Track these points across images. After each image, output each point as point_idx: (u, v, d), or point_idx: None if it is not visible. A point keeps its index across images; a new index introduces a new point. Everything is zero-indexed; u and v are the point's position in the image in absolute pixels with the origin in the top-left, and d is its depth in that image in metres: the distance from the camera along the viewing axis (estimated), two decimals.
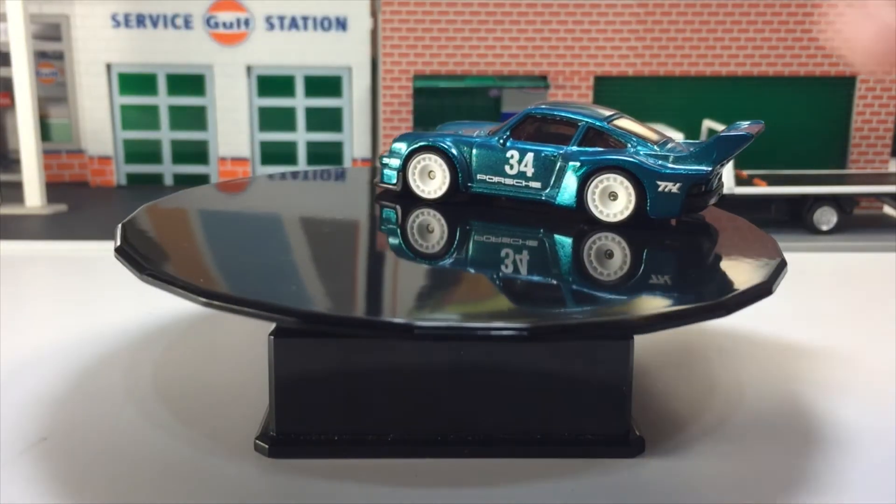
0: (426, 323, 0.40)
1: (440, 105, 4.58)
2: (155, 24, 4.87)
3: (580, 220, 0.57)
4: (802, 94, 4.47)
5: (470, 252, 0.54)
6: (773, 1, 4.37)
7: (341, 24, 4.77)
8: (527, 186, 0.59)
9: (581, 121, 0.58)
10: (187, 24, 4.85)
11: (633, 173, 0.56)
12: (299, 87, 4.98)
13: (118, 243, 0.48)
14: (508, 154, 0.59)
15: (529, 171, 0.58)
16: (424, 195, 0.61)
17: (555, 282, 0.49)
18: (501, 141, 0.60)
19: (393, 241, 0.57)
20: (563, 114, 0.59)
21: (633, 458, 0.47)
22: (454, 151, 0.60)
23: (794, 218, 3.90)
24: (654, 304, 0.45)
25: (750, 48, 4.42)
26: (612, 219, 0.56)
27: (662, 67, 4.44)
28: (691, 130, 4.11)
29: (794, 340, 0.67)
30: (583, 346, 0.46)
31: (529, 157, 0.58)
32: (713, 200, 0.58)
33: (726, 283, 0.47)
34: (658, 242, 0.55)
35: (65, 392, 0.54)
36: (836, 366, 0.61)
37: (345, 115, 4.93)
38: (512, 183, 0.59)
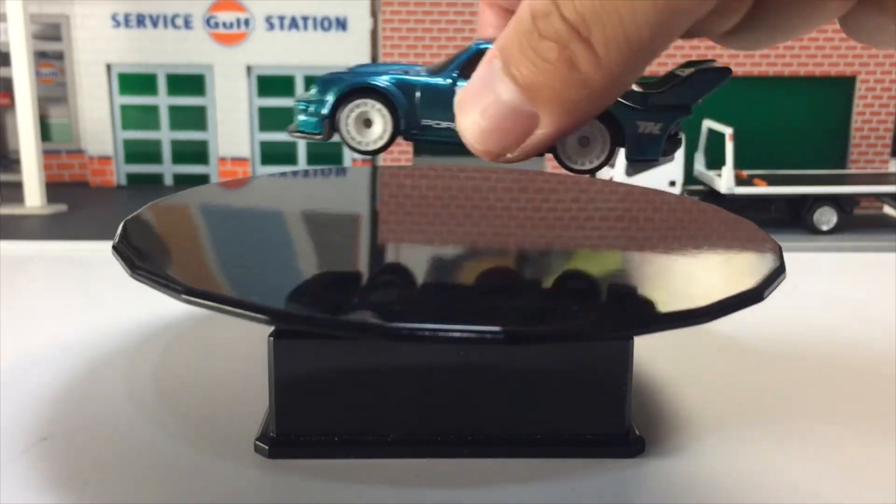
0: (405, 325, 0.39)
1: None
2: (155, 24, 4.87)
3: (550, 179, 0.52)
4: (802, 94, 4.48)
5: (466, 249, 0.54)
6: None
7: (341, 24, 4.77)
8: None
9: None
10: (187, 24, 4.85)
11: (610, 113, 0.50)
12: (299, 87, 4.98)
13: (116, 241, 0.48)
14: None
15: None
16: (360, 147, 0.52)
17: (551, 283, 0.49)
18: (450, 81, 0.52)
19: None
20: None
21: (633, 458, 0.47)
22: (396, 94, 0.52)
23: (794, 218, 3.91)
24: (650, 306, 0.45)
25: None
26: (585, 167, 0.51)
27: (662, 67, 4.44)
28: (691, 131, 4.11)
29: (794, 340, 0.67)
30: (583, 347, 0.46)
31: None
32: (679, 148, 0.54)
33: (717, 288, 0.47)
34: (657, 241, 0.55)
35: (65, 392, 0.54)
36: (836, 366, 0.61)
37: None
38: None
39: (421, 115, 0.52)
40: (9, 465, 0.45)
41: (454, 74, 0.52)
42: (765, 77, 4.40)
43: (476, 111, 0.37)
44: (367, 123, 0.52)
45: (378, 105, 0.52)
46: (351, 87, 0.52)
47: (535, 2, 0.33)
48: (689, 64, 0.55)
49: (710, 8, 0.32)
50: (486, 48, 0.52)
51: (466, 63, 0.52)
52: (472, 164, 0.54)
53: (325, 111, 0.52)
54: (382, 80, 0.52)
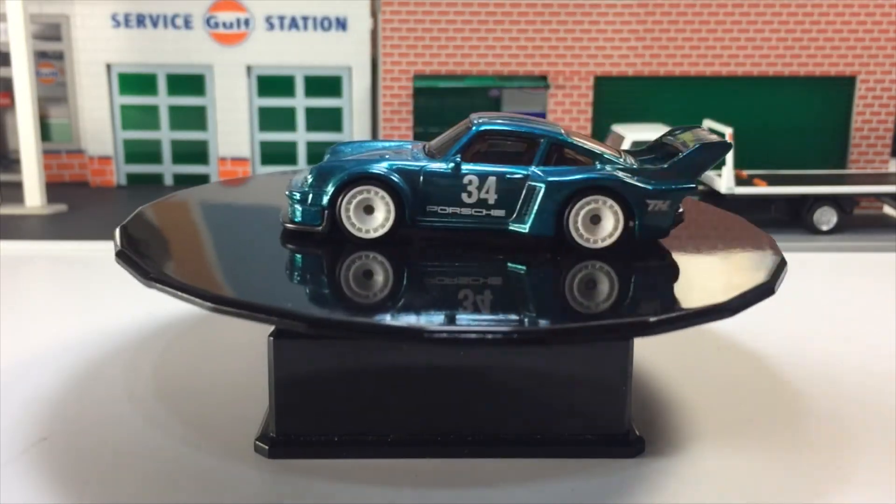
0: (436, 328, 0.40)
1: (440, 105, 4.58)
2: (155, 24, 4.88)
3: (548, 249, 0.52)
4: (802, 94, 4.48)
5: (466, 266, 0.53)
6: (773, 1, 4.37)
7: (341, 24, 4.77)
8: (488, 215, 0.51)
9: (542, 136, 0.52)
10: (187, 24, 4.85)
11: (618, 193, 0.51)
12: (299, 87, 4.99)
13: (118, 247, 0.48)
14: (466, 180, 0.51)
15: (492, 198, 0.51)
16: (362, 235, 0.51)
17: (556, 288, 0.49)
18: (453, 165, 0.51)
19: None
20: (519, 129, 0.52)
21: (633, 458, 0.47)
22: (399, 182, 0.51)
23: (794, 218, 3.90)
24: (656, 307, 0.45)
25: (750, 48, 4.42)
26: (597, 245, 0.51)
27: (662, 67, 4.44)
28: None
29: (794, 340, 0.67)
30: (582, 347, 0.46)
31: (491, 181, 0.51)
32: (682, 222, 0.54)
33: (729, 285, 0.47)
34: (656, 244, 0.55)
35: (65, 392, 0.54)
36: (836, 366, 0.61)
37: (345, 115, 4.93)
38: (470, 213, 0.51)
39: (425, 201, 0.51)
40: (9, 465, 0.45)
41: (457, 159, 0.51)
42: (765, 77, 4.40)
43: None
44: (369, 210, 0.51)
45: (381, 192, 0.51)
46: (352, 176, 0.51)
47: None
48: (676, 130, 0.55)
49: None
50: (487, 129, 0.52)
51: (468, 145, 0.52)
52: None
53: (324, 202, 0.50)
54: (383, 168, 0.51)
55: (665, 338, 0.63)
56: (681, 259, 0.53)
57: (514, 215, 0.51)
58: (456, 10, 4.39)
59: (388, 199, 0.50)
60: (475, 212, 0.51)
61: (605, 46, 4.41)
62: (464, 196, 0.51)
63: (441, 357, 0.46)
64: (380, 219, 0.51)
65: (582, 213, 0.51)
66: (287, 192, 0.52)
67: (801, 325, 0.71)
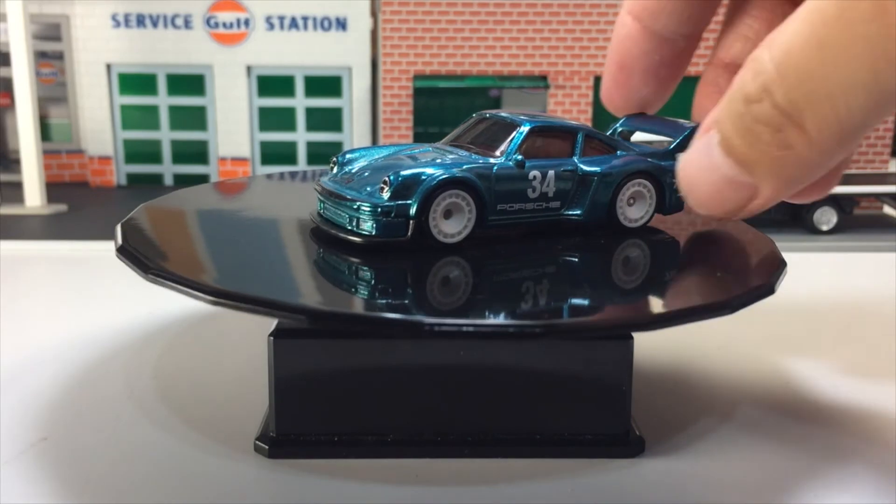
0: (437, 321, 0.39)
1: (440, 105, 4.58)
2: (155, 24, 4.87)
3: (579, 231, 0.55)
4: None
5: (475, 263, 0.53)
6: None
7: (341, 24, 4.77)
8: (547, 208, 0.54)
9: (578, 130, 0.56)
10: (187, 24, 4.85)
11: (654, 175, 0.56)
12: (299, 87, 4.98)
13: (119, 243, 0.48)
14: (531, 176, 0.53)
15: (551, 191, 0.54)
16: (447, 240, 0.51)
17: (563, 284, 0.49)
18: (516, 162, 0.53)
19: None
20: (562, 124, 0.56)
21: (633, 458, 0.47)
22: (480, 184, 0.52)
23: (794, 218, 3.91)
24: (658, 303, 0.45)
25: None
26: (636, 224, 0.56)
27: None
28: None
29: (794, 340, 0.67)
30: (583, 347, 0.46)
31: (551, 175, 0.54)
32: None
33: (730, 283, 0.47)
34: (658, 244, 0.55)
35: (65, 392, 0.54)
36: (836, 366, 0.61)
37: (345, 115, 4.93)
38: (533, 207, 0.54)
39: (497, 201, 0.53)
40: (9, 465, 0.45)
41: (518, 157, 0.53)
42: None
43: (698, 180, 0.39)
44: (447, 215, 0.51)
45: (466, 196, 0.51)
46: (440, 182, 0.50)
47: (748, 85, 0.35)
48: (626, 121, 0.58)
49: None
50: (536, 126, 0.55)
51: (523, 143, 0.54)
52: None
53: (412, 212, 0.49)
54: (465, 172, 0.51)
55: (665, 338, 0.63)
56: (682, 258, 0.53)
57: (567, 204, 0.55)
58: (456, 10, 4.39)
59: (471, 202, 0.51)
60: (537, 205, 0.54)
61: (605, 46, 4.41)
62: (529, 192, 0.53)
63: (441, 357, 0.46)
64: (462, 222, 0.51)
65: (626, 196, 0.56)
66: (350, 205, 0.50)
67: (800, 325, 0.71)
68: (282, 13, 4.84)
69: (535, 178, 0.53)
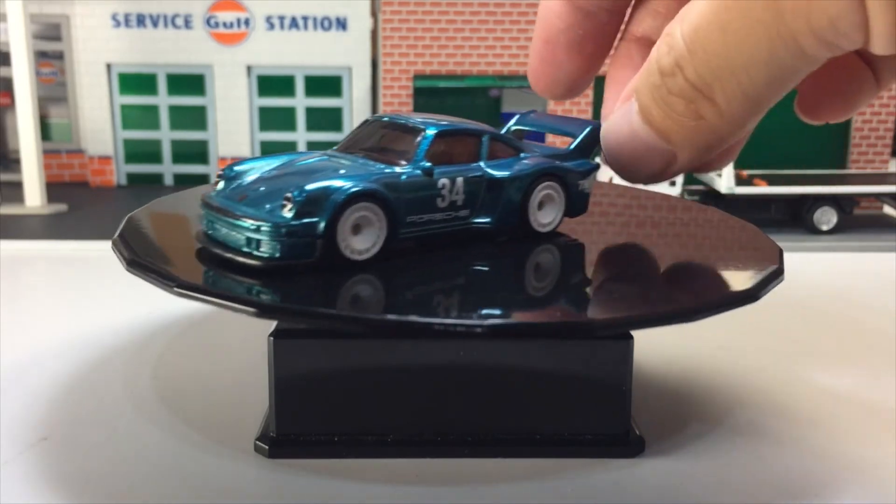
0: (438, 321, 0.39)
1: (440, 105, 4.58)
2: (155, 24, 4.87)
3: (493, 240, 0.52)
4: None
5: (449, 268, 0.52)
6: None
7: (341, 24, 4.77)
8: (456, 217, 0.50)
9: (483, 133, 0.53)
10: (187, 24, 4.85)
11: (561, 177, 0.53)
12: (299, 87, 4.98)
13: (115, 237, 0.48)
14: (440, 184, 0.49)
15: (460, 199, 0.50)
16: (356, 257, 0.46)
17: (545, 283, 0.49)
18: (424, 170, 0.49)
19: None
20: (467, 128, 0.53)
21: (633, 458, 0.47)
22: (390, 196, 0.47)
23: (794, 218, 3.91)
24: (653, 301, 0.45)
25: None
26: (547, 229, 0.54)
27: None
28: None
29: (794, 340, 0.67)
30: (583, 347, 0.46)
31: (460, 182, 0.50)
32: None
33: (712, 287, 0.47)
34: (649, 244, 0.55)
35: (65, 392, 0.54)
36: (836, 366, 0.61)
37: (345, 115, 4.93)
38: (442, 217, 0.50)
39: (406, 212, 0.48)
40: (9, 465, 0.45)
41: (426, 164, 0.49)
42: None
43: (620, 146, 0.42)
44: (356, 230, 0.46)
45: (376, 209, 0.46)
46: (349, 196, 0.45)
47: (662, 58, 0.37)
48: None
49: (816, 67, 0.35)
50: (442, 131, 0.51)
51: (428, 149, 0.50)
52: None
53: (320, 229, 0.44)
54: (374, 183, 0.47)
55: (665, 338, 0.63)
56: (675, 255, 0.53)
57: (475, 212, 0.51)
58: (456, 10, 4.39)
59: (381, 215, 0.47)
60: (446, 215, 0.50)
61: None
62: (438, 201, 0.50)
63: (441, 357, 0.46)
64: (373, 237, 0.47)
65: (537, 200, 0.53)
66: (248, 226, 0.44)
67: (800, 325, 0.71)
68: (282, 13, 4.84)
69: (443, 185, 0.49)
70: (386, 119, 0.54)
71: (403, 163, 0.49)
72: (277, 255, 0.44)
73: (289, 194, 0.44)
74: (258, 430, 0.48)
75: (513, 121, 0.58)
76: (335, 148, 0.53)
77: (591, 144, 0.55)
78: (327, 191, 0.45)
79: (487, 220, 0.52)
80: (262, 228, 0.44)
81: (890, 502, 0.43)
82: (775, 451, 0.48)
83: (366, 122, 0.55)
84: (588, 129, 0.55)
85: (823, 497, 0.44)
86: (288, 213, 0.44)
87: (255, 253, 0.44)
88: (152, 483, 0.44)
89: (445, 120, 0.53)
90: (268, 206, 0.45)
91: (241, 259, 0.44)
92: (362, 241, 0.46)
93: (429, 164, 0.49)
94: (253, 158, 0.52)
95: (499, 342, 0.46)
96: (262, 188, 0.47)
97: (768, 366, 0.61)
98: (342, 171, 0.48)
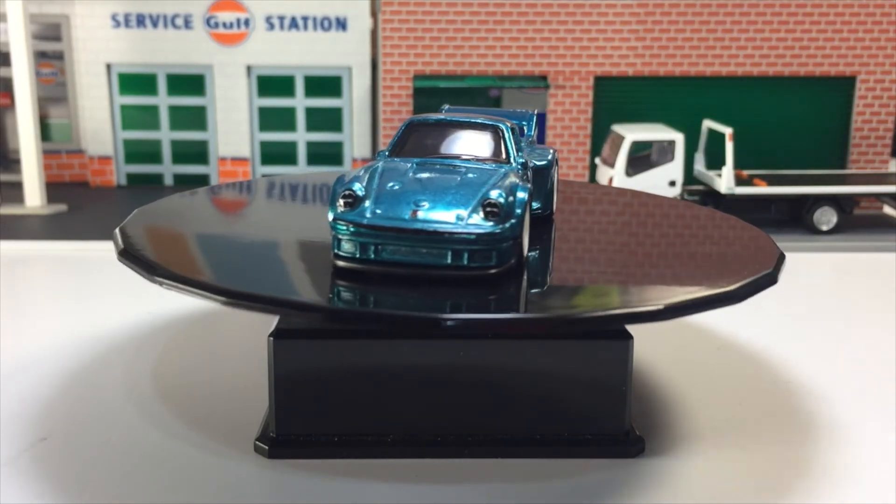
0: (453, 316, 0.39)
1: (440, 105, 4.57)
2: (155, 24, 4.88)
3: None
4: (802, 94, 4.47)
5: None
6: (773, 1, 4.37)
7: (341, 24, 4.77)
8: (537, 208, 0.55)
9: (517, 124, 0.54)
10: (187, 24, 4.85)
11: (532, 173, 0.52)
12: (299, 87, 4.98)
13: (121, 246, 0.48)
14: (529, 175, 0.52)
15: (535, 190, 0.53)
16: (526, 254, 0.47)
17: (542, 280, 0.49)
18: (523, 164, 0.50)
19: None
20: (513, 121, 0.54)
21: (633, 458, 0.47)
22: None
23: (794, 218, 3.90)
24: (654, 298, 0.45)
25: (750, 48, 4.42)
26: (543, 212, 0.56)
27: (662, 67, 4.44)
28: (691, 130, 4.11)
29: (794, 340, 0.67)
30: (582, 346, 0.46)
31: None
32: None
33: (734, 274, 0.47)
34: (648, 238, 0.55)
35: (65, 392, 0.54)
36: (836, 366, 0.61)
37: (345, 115, 4.93)
38: (534, 207, 0.53)
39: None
40: (9, 465, 0.45)
41: (522, 159, 0.50)
42: (765, 77, 4.39)
43: None
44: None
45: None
46: (529, 196, 0.45)
47: None
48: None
49: None
50: (511, 126, 0.51)
51: (517, 143, 0.50)
52: None
53: (517, 231, 0.44)
54: (529, 184, 0.47)
55: (665, 338, 0.63)
56: (674, 254, 0.53)
57: (536, 199, 0.54)
58: (456, 10, 4.39)
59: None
60: (536, 206, 0.54)
61: (605, 46, 4.41)
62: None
63: (441, 357, 0.46)
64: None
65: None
66: (446, 238, 0.43)
67: (800, 325, 0.71)
68: (282, 13, 4.83)
69: (530, 178, 0.50)
70: (442, 119, 0.52)
71: (504, 159, 0.50)
72: (494, 262, 0.44)
73: (492, 200, 0.43)
74: (258, 431, 0.48)
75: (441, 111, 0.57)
76: (387, 154, 0.50)
77: (539, 134, 0.57)
78: (513, 192, 0.44)
79: (539, 206, 0.54)
80: (478, 239, 0.43)
81: (890, 502, 0.44)
82: (776, 452, 0.48)
83: (410, 123, 0.52)
84: (533, 117, 0.57)
85: (823, 497, 0.44)
86: (493, 220, 0.43)
87: (467, 264, 0.43)
88: (152, 483, 0.44)
89: (489, 115, 0.53)
90: (458, 217, 0.43)
91: (447, 273, 0.43)
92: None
93: (523, 159, 0.50)
94: (353, 177, 0.46)
95: (499, 342, 0.46)
96: (427, 202, 0.44)
97: (768, 366, 0.61)
98: (489, 175, 0.46)
